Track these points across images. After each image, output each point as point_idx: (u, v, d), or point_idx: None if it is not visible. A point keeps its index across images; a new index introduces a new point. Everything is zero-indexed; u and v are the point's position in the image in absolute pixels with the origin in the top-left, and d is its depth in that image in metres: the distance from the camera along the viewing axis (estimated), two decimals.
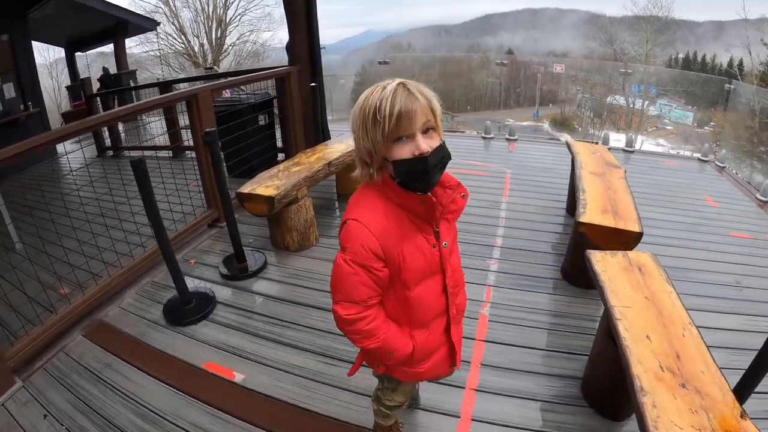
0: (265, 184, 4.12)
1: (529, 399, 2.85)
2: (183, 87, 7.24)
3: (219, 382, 3.00)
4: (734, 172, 7.53)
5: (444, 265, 1.73)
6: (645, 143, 26.25)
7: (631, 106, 28.97)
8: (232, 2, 29.94)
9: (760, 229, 5.46)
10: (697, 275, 4.32)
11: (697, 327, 2.37)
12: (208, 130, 3.75)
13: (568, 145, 5.41)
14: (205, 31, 29.88)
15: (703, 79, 24.41)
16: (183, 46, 29.80)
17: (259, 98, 6.45)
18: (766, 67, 26.88)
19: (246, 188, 4.10)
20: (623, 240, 3.35)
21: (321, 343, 3.30)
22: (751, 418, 1.85)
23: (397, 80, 1.49)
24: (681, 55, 40.32)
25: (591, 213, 3.56)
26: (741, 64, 31.88)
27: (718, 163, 7.70)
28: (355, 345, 1.74)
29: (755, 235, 5.29)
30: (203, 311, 3.58)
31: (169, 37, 29.35)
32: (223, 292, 3.92)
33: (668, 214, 5.56)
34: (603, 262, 2.85)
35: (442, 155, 1.53)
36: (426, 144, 1.48)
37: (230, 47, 30.95)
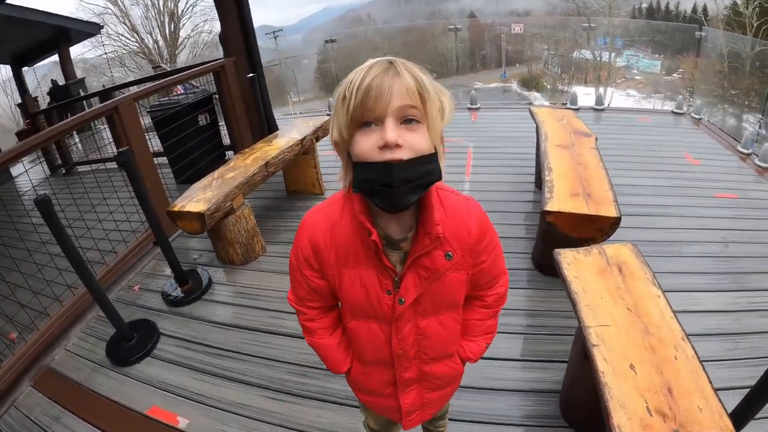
0: (197, 198, 3.71)
1: (500, 424, 2.54)
2: (132, 90, 6.65)
3: (163, 430, 2.75)
4: (711, 122, 7.12)
5: (395, 319, 1.35)
6: (615, 95, 26.13)
7: (599, 59, 28.74)
8: None
9: (746, 187, 5.12)
10: (684, 248, 3.99)
11: (689, 335, 2.00)
12: (121, 150, 3.31)
13: (532, 114, 4.93)
14: (158, 27, 29.11)
15: (671, 27, 24.16)
16: (137, 45, 29.03)
17: (196, 97, 6.01)
18: (730, 11, 26.82)
19: (175, 205, 3.69)
20: (598, 227, 2.92)
21: (267, 374, 3.00)
22: None
23: (389, 57, 1.14)
24: (644, 5, 39.92)
25: (559, 198, 3.09)
26: (705, 9, 31.71)
27: (694, 115, 7.30)
28: None
29: (741, 193, 4.93)
30: (146, 347, 3.31)
31: (122, 38, 28.57)
32: (166, 322, 3.60)
33: (646, 178, 5.15)
34: (575, 265, 2.40)
35: (422, 170, 1.11)
36: (397, 136, 1.07)
37: (185, 40, 30.24)
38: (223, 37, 5.74)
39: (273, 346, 3.22)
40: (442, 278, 1.30)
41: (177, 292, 3.79)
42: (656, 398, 1.73)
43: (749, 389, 2.06)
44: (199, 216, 3.51)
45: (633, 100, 26.81)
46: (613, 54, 27.74)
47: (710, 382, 1.78)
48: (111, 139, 4.67)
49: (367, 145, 1.09)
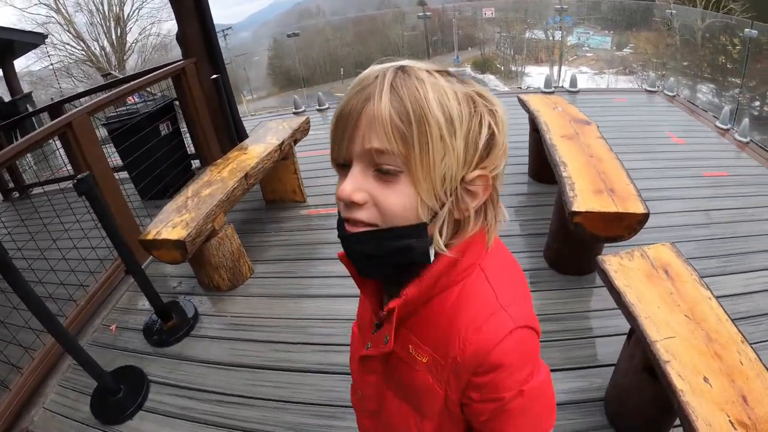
0: (172, 222, 3.27)
1: None
2: (83, 102, 6.15)
3: None
4: (684, 98, 7.14)
5: (364, 361, 1.04)
6: (568, 73, 26.45)
7: (551, 37, 29.09)
8: None
9: (730, 163, 5.12)
10: (691, 232, 3.91)
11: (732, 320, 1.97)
12: (80, 177, 2.79)
13: (523, 103, 4.72)
14: (104, 33, 28.01)
15: (619, 3, 24.53)
16: (83, 53, 27.90)
17: (156, 105, 5.51)
18: None
19: (150, 233, 3.23)
20: (626, 225, 2.76)
21: (284, 420, 2.60)
22: None
23: (414, 62, 0.78)
24: None
25: (584, 197, 2.89)
26: None
27: (668, 92, 7.28)
28: None
29: (729, 170, 4.91)
30: (136, 400, 2.85)
31: (67, 47, 27.38)
32: (154, 366, 3.12)
33: (638, 161, 4.98)
34: (622, 273, 2.22)
35: (388, 247, 0.79)
36: (354, 190, 0.76)
37: (133, 44, 29.15)
38: (181, 37, 5.25)
39: (283, 384, 2.81)
40: (410, 365, 0.94)
41: (160, 330, 3.38)
42: (735, 409, 1.65)
43: None
44: (178, 244, 3.08)
45: (586, 77, 27.21)
46: (564, 32, 28.06)
47: None
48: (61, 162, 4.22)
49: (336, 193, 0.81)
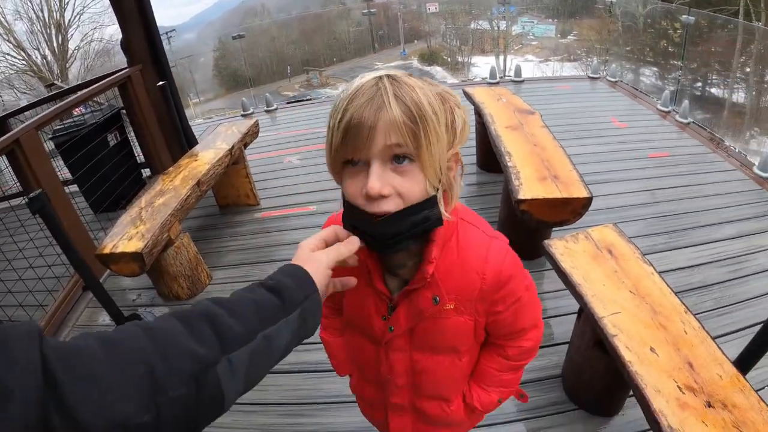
0: (128, 234, 3.22)
1: (513, 421, 2.49)
2: (28, 116, 5.90)
3: None
4: (626, 83, 7.36)
5: (387, 348, 1.23)
6: (514, 61, 26.86)
7: (496, 27, 29.42)
8: (68, 3, 27.12)
9: (672, 144, 5.35)
10: (634, 211, 4.13)
11: (676, 293, 2.09)
12: (32, 195, 2.77)
13: (469, 95, 4.82)
14: (45, 41, 27.01)
15: None
16: (24, 63, 26.86)
17: (103, 115, 5.38)
18: None
19: (106, 247, 3.16)
20: (572, 209, 2.87)
21: (257, 422, 2.63)
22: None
23: (387, 72, 0.92)
24: None
25: (529, 185, 2.99)
26: None
27: (610, 78, 7.50)
28: None
29: (671, 150, 5.14)
30: None
31: (8, 57, 26.31)
32: None
33: (582, 146, 5.20)
34: (568, 255, 2.33)
35: (414, 221, 0.94)
36: (383, 184, 0.89)
37: (75, 52, 28.21)
38: (126, 44, 5.13)
39: (256, 387, 2.87)
40: (440, 319, 1.16)
41: None
42: (682, 375, 1.77)
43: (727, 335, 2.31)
44: (136, 256, 3.05)
45: (532, 65, 27.66)
46: (509, 22, 28.43)
47: (720, 349, 1.86)
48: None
49: (352, 190, 0.94)
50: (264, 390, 2.80)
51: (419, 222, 0.95)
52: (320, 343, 1.51)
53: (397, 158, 0.90)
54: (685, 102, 5.96)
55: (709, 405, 1.67)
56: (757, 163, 4.69)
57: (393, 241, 0.96)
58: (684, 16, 8.80)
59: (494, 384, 1.35)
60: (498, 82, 7.57)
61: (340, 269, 1.06)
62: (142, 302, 3.75)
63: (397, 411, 1.38)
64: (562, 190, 2.89)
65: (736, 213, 4.03)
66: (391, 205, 0.91)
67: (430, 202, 0.95)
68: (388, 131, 0.87)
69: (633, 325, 1.95)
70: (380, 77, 0.90)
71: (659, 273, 2.19)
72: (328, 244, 0.98)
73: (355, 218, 0.96)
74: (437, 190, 0.97)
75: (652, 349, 1.85)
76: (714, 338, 2.34)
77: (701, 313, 3.02)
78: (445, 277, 1.09)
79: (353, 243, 0.97)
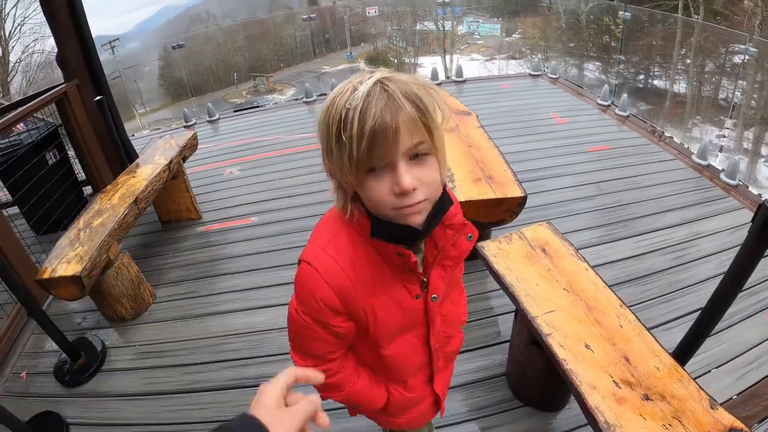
0: (66, 258, 3.12)
1: (460, 423, 2.49)
2: None
3: None
4: (566, 79, 7.50)
5: (430, 319, 1.30)
6: (460, 61, 27.15)
7: (441, 28, 29.69)
8: (8, 14, 26.27)
9: (612, 137, 5.49)
10: (575, 205, 4.21)
11: (611, 288, 2.10)
12: None
13: None
14: None
15: None
16: None
17: (39, 133, 5.14)
18: None
19: (45, 271, 3.05)
20: (507, 208, 2.91)
21: None
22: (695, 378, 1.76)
23: (377, 74, 0.96)
24: None
25: (462, 186, 3.02)
26: None
27: (551, 75, 7.63)
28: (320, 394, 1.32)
29: (611, 143, 5.26)
30: None
31: None
32: (71, 408, 2.96)
33: (523, 143, 5.31)
34: (502, 256, 2.34)
35: (440, 205, 1.09)
36: (412, 178, 0.96)
37: (17, 64, 27.27)
38: (61, 58, 5.00)
39: (201, 405, 2.79)
40: (458, 262, 1.27)
41: (71, 369, 3.21)
42: (618, 370, 1.79)
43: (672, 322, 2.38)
44: (75, 279, 2.96)
45: (479, 63, 28.00)
46: (454, 22, 28.72)
47: (656, 340, 1.89)
48: None
49: (380, 192, 0.98)
50: (213, 407, 2.78)
51: (444, 202, 1.10)
52: None
53: (416, 156, 0.97)
54: (624, 95, 6.11)
55: (647, 398, 1.69)
56: (695, 152, 4.82)
57: (428, 230, 1.10)
58: (621, 12, 9.02)
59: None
60: (440, 83, 7.63)
61: (378, 285, 1.18)
62: (87, 325, 3.62)
63: (439, 372, 1.48)
64: (496, 190, 2.92)
65: (677, 201, 4.16)
66: (421, 195, 0.98)
67: (444, 191, 1.09)
68: (410, 131, 0.92)
69: (567, 323, 1.97)
70: (381, 82, 0.93)
71: (602, 265, 2.24)
72: (290, 388, 0.88)
73: (394, 229, 1.06)
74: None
75: (587, 346, 1.87)
76: (660, 325, 2.40)
77: (647, 300, 3.13)
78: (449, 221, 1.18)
79: (315, 401, 0.87)
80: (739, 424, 1.59)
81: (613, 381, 1.74)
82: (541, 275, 2.20)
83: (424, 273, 1.21)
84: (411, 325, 1.29)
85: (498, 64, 26.21)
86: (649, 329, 1.94)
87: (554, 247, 2.36)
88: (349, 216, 1.11)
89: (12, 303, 3.76)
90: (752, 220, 1.83)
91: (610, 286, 2.15)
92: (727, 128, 15.16)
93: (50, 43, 26.74)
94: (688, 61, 17.00)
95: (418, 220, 1.02)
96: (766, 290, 3.23)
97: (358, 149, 0.92)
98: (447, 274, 1.24)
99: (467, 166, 3.25)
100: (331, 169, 1.03)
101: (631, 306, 2.76)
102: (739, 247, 2.71)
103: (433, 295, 1.24)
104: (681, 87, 18.68)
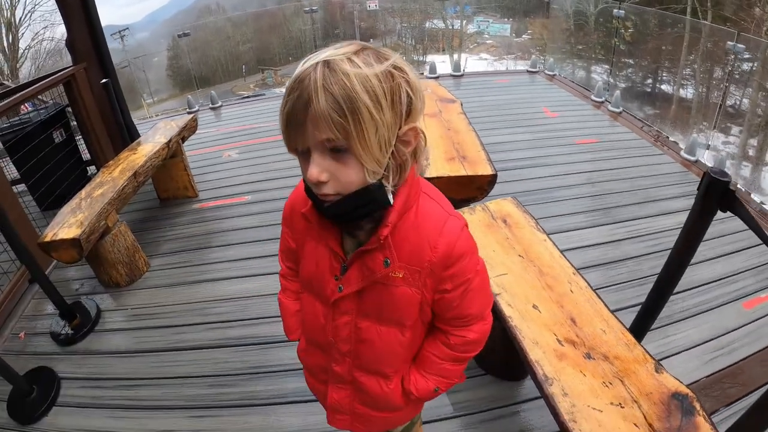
0: (68, 223, 3.35)
1: None
2: None
3: None
4: (563, 76, 7.64)
5: (334, 309, 1.26)
6: (469, 60, 27.14)
7: (451, 27, 29.66)
8: (18, 1, 26.32)
9: (602, 131, 5.64)
10: (557, 193, 4.36)
11: (579, 270, 2.21)
12: None
13: None
14: None
15: None
16: None
17: (48, 112, 5.41)
18: None
19: (47, 235, 3.28)
20: (477, 186, 3.05)
21: (185, 393, 2.78)
22: (658, 360, 1.79)
23: (330, 52, 0.93)
24: None
25: (436, 164, 3.17)
26: None
27: (548, 72, 7.78)
28: None
29: (600, 137, 5.42)
30: (48, 397, 2.92)
31: None
32: (63, 364, 3.18)
33: (512, 134, 5.47)
34: None
35: (356, 203, 1.02)
36: (320, 171, 0.95)
37: (26, 51, 27.40)
38: (71, 43, 5.21)
39: (183, 363, 2.99)
40: (390, 285, 1.17)
41: (65, 331, 3.42)
42: (563, 330, 1.89)
43: (640, 306, 2.33)
44: (74, 242, 3.18)
45: (487, 63, 28.02)
46: (464, 21, 28.72)
47: (606, 306, 1.99)
48: None
49: (303, 174, 1.01)
50: (194, 364, 2.96)
51: (363, 205, 1.02)
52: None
53: (336, 150, 0.93)
54: (617, 92, 6.27)
55: (589, 357, 1.79)
56: (684, 147, 4.96)
57: (342, 220, 1.09)
58: (615, 10, 9.14)
59: (434, 372, 1.34)
60: (438, 77, 7.80)
61: (299, 227, 1.26)
62: (84, 291, 3.82)
63: (338, 382, 1.39)
64: (467, 168, 3.06)
65: (660, 193, 4.29)
66: (330, 189, 0.98)
67: (369, 191, 1.00)
68: (317, 127, 0.90)
69: (518, 285, 2.10)
70: (316, 66, 0.90)
71: (577, 248, 2.36)
72: None
73: (313, 195, 1.07)
74: (382, 175, 1.01)
75: (534, 306, 2.00)
76: (627, 308, 2.50)
77: (618, 284, 3.25)
78: (399, 244, 1.11)
79: None
80: (684, 389, 1.64)
81: (557, 339, 1.85)
82: (499, 242, 2.34)
83: (348, 259, 1.19)
84: (319, 294, 1.28)
85: (506, 64, 26.22)
86: (613, 311, 2.00)
87: (515, 219, 2.50)
88: None
89: (13, 272, 3.97)
90: (698, 188, 1.94)
91: (581, 269, 2.25)
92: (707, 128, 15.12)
93: (60, 31, 26.58)
94: (695, 66, 17.00)
95: (323, 191, 1.00)
96: (744, 279, 3.33)
97: (281, 126, 0.97)
98: (363, 281, 1.17)
99: (443, 147, 3.39)
100: None
101: (601, 288, 2.90)
102: (716, 239, 2.81)
103: (340, 286, 1.20)
104: (688, 92, 18.68)
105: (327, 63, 0.90)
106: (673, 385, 1.66)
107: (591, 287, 2.10)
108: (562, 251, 2.31)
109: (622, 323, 1.93)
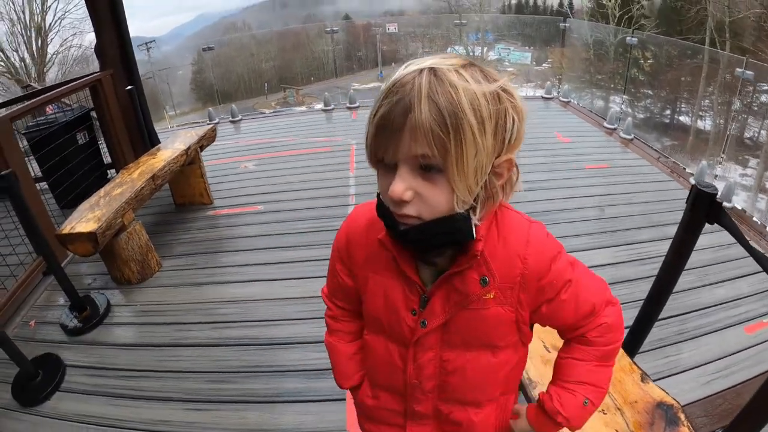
0: (85, 218, 3.50)
1: None
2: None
3: None
4: (579, 104, 7.80)
5: (416, 347, 1.11)
6: None
7: (472, 53, 29.84)
8: (50, 6, 26.84)
9: (613, 157, 5.70)
10: (564, 215, 4.42)
11: None
12: (2, 173, 3.04)
13: None
14: (25, 43, 26.58)
15: (538, 21, 25.78)
16: (2, 63, 26.39)
17: (73, 114, 5.61)
18: (594, 3, 30.36)
19: (64, 228, 3.45)
20: None
21: (184, 387, 2.87)
22: (649, 375, 1.82)
23: (437, 60, 0.83)
24: (513, 1, 42.16)
25: None
26: (571, 3, 34.60)
27: (563, 99, 7.90)
28: None
29: (610, 163, 5.47)
30: (53, 382, 3.03)
31: None
32: (70, 352, 3.30)
33: (523, 158, 5.44)
34: None
35: (437, 231, 0.90)
36: (405, 189, 0.84)
37: (54, 56, 27.88)
38: (99, 50, 5.44)
39: (184, 358, 3.10)
40: (480, 309, 1.03)
41: (74, 322, 3.54)
42: (551, 337, 1.92)
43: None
44: (90, 236, 3.33)
45: None
46: (485, 48, 28.93)
47: None
48: None
49: (382, 188, 0.91)
50: (194, 360, 3.06)
51: (445, 234, 0.90)
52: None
53: (426, 168, 0.83)
54: (628, 120, 6.34)
55: None
56: (694, 173, 5.05)
57: (422, 249, 0.97)
58: (628, 38, 9.21)
59: (580, 379, 1.14)
60: None
61: (360, 259, 1.13)
62: (96, 286, 3.95)
63: (420, 420, 1.21)
64: None
65: (666, 218, 4.29)
66: (412, 210, 0.87)
67: (455, 219, 0.89)
68: (414, 138, 0.80)
69: None
70: (421, 71, 0.81)
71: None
72: None
73: (386, 215, 0.93)
74: (471, 204, 0.90)
75: None
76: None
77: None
78: (490, 260, 1.00)
79: None
80: (669, 399, 1.66)
81: (544, 345, 1.89)
82: None
83: (429, 289, 1.05)
84: (393, 333, 1.14)
85: (525, 92, 26.39)
86: None
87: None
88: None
89: (29, 263, 4.11)
90: (686, 200, 1.99)
91: None
92: (720, 158, 15.03)
93: (88, 39, 26.90)
94: (713, 97, 17.01)
95: (404, 212, 0.89)
96: (748, 304, 3.33)
97: (368, 134, 0.87)
98: (451, 309, 1.04)
99: None
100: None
101: None
102: (721, 264, 2.83)
103: (423, 320, 1.06)
104: (706, 123, 18.67)
105: (434, 71, 0.81)
106: (659, 395, 1.68)
107: None
108: None
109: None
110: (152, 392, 2.87)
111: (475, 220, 0.91)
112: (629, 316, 3.05)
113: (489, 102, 0.81)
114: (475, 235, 0.92)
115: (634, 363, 1.82)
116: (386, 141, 0.83)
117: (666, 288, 2.19)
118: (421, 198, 0.85)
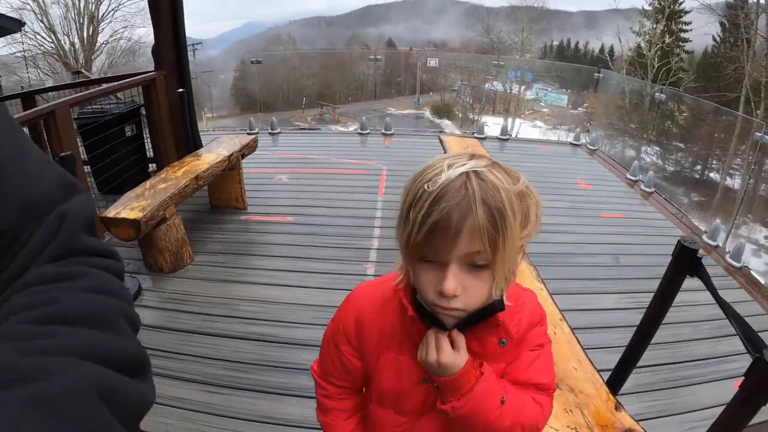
0: (131, 206, 3.80)
1: None
2: (50, 96, 6.43)
3: None
4: (609, 151, 7.98)
5: (428, 414, 1.16)
6: (522, 126, 27.42)
7: (509, 91, 30.08)
8: None
9: (630, 208, 5.88)
10: (576, 258, 4.58)
11: (578, 312, 2.40)
12: (63, 154, 3.37)
13: (441, 141, 5.45)
14: (76, 29, 27.50)
15: (573, 68, 26.02)
16: (52, 45, 27.22)
17: (125, 108, 5.95)
18: (635, 53, 30.81)
19: (110, 212, 3.74)
20: None
21: (203, 371, 3.10)
22: (624, 406, 1.90)
23: (473, 163, 0.91)
24: (555, 43, 42.48)
25: None
26: (612, 50, 34.88)
27: (590, 146, 8.11)
28: None
29: (627, 214, 5.67)
30: None
31: (38, 36, 26.66)
32: None
33: (546, 201, 5.65)
34: None
35: (478, 316, 1.00)
36: (457, 285, 0.90)
37: (103, 45, 28.72)
38: (156, 50, 5.75)
39: (206, 345, 3.31)
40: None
41: None
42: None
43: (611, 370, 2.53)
44: (134, 222, 3.61)
45: (539, 131, 28.35)
46: (523, 87, 29.15)
47: (583, 350, 2.18)
48: None
49: (424, 284, 0.95)
50: (216, 348, 3.29)
51: (484, 315, 1.00)
52: None
53: (474, 265, 0.90)
54: (650, 173, 6.54)
55: (557, 386, 1.92)
56: (707, 231, 5.21)
57: (464, 327, 1.03)
58: (657, 94, 9.40)
59: (516, 387, 1.14)
60: (485, 138, 8.20)
61: (373, 340, 1.17)
62: (129, 270, 4.19)
63: None
64: None
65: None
66: (459, 303, 0.92)
67: (494, 306, 0.99)
68: (472, 238, 0.86)
69: None
70: (468, 175, 0.87)
71: (578, 311, 2.52)
72: None
73: (427, 312, 1.01)
74: (503, 291, 0.98)
75: None
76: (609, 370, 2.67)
77: (609, 347, 3.31)
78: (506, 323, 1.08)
79: None
80: (638, 428, 1.78)
81: None
82: None
83: None
84: (405, 407, 1.18)
85: (559, 135, 26.52)
86: (598, 370, 2.10)
87: (520, 268, 2.77)
88: (398, 281, 1.08)
89: None
90: (672, 254, 2.15)
91: (576, 329, 2.41)
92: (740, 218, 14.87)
93: (138, 33, 27.94)
94: (745, 156, 16.98)
95: (447, 321, 0.99)
96: (744, 360, 3.28)
97: (416, 235, 0.89)
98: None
99: None
100: (396, 234, 0.98)
101: (591, 348, 3.11)
102: (720, 320, 3.03)
103: (437, 384, 1.08)
104: (736, 183, 18.63)
105: (477, 174, 0.88)
106: (629, 423, 1.81)
107: (573, 332, 2.30)
108: (562, 311, 2.52)
109: (594, 367, 2.10)
110: (171, 371, 3.09)
111: (505, 298, 1.01)
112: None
113: (519, 199, 0.90)
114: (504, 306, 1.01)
115: (611, 394, 1.96)
116: (442, 243, 0.87)
117: (646, 334, 2.35)
118: (466, 291, 0.91)
